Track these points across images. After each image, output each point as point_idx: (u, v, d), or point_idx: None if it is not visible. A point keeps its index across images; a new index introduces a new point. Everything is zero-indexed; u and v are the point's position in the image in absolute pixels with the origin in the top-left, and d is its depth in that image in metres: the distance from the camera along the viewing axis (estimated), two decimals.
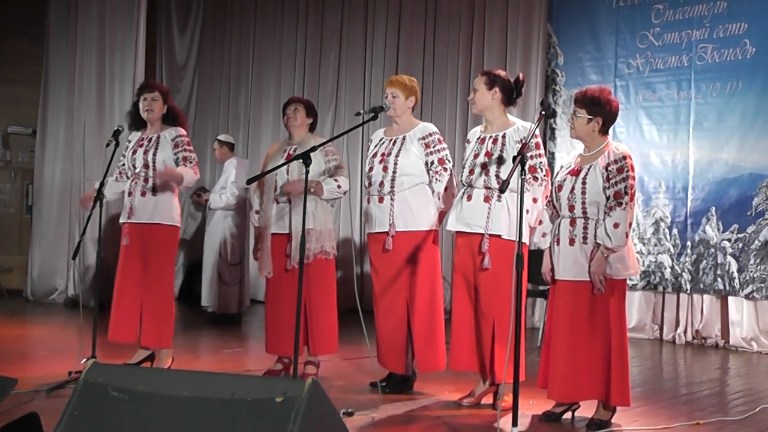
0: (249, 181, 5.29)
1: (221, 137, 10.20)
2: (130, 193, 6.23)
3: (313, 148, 5.15)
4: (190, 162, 6.22)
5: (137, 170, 6.19)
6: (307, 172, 4.98)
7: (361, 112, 5.69)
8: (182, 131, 6.30)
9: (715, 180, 8.85)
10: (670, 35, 9.25)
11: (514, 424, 4.21)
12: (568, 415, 5.12)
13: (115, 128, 6.25)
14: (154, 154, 6.16)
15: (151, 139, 6.27)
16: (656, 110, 9.33)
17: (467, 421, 5.07)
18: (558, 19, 10.07)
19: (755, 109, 8.64)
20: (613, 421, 4.97)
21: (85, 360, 5.68)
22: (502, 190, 4.34)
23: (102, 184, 5.98)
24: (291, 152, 6.13)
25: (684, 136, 9.11)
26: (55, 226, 11.22)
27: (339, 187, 6.07)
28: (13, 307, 10.07)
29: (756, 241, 8.54)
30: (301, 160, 5.00)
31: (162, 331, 6.19)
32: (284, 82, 12.23)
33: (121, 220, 6.30)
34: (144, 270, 6.15)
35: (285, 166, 5.94)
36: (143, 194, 6.16)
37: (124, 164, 6.34)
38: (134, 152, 6.26)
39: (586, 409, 5.08)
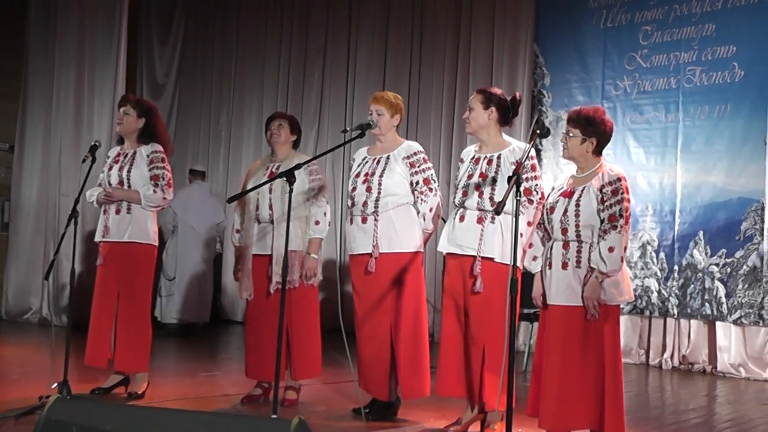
0: (230, 200, 5.07)
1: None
2: (105, 211, 6.06)
3: (298, 166, 4.97)
4: (162, 180, 6.04)
5: (110, 188, 6.02)
6: (291, 190, 4.80)
7: (347, 129, 5.51)
8: (158, 147, 6.13)
9: (703, 204, 8.76)
10: (658, 57, 9.18)
11: None
12: None
13: (92, 143, 6.07)
14: (129, 171, 6.01)
15: (127, 154, 6.12)
16: (644, 132, 9.24)
17: None
18: (545, 39, 9.99)
19: (744, 133, 8.56)
20: None
21: (55, 385, 5.49)
22: (497, 212, 4.16)
23: (77, 202, 5.75)
24: (274, 170, 5.97)
25: (672, 159, 9.02)
26: (31, 244, 11.01)
27: (318, 223, 5.92)
28: None
29: (744, 266, 8.44)
30: (284, 179, 4.83)
31: (137, 354, 6.00)
32: (267, 99, 12.10)
33: (96, 239, 6.13)
34: (119, 290, 5.97)
35: (268, 185, 5.78)
36: (118, 212, 6.00)
37: (101, 179, 6.16)
38: (110, 168, 6.11)
39: None
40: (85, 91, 10.79)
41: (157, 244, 6.15)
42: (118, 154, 6.18)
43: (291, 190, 4.80)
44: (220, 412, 4.35)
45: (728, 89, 8.69)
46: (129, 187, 5.99)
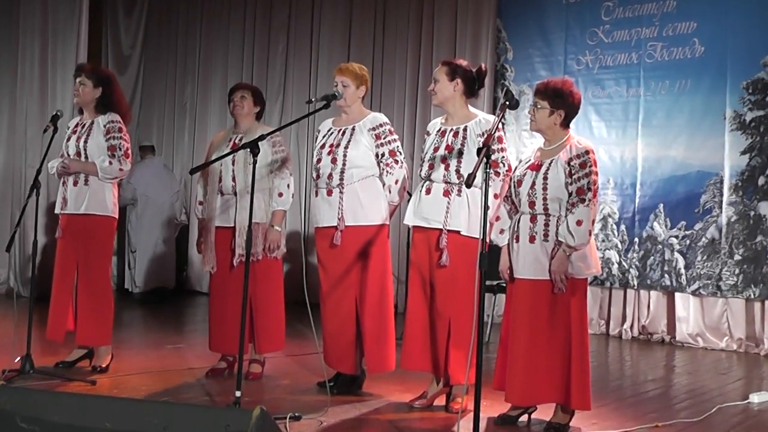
0: (192, 171, 5.03)
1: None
2: (63, 183, 6.02)
3: (261, 137, 4.89)
4: (119, 150, 5.97)
5: (71, 158, 5.99)
6: (255, 161, 4.73)
7: (312, 99, 5.42)
8: (116, 117, 6.06)
9: (663, 177, 8.87)
10: (620, 33, 9.23)
11: (476, 429, 4.00)
12: (524, 418, 4.99)
13: (54, 113, 6.01)
14: (86, 141, 5.96)
15: (85, 125, 6.07)
16: (605, 107, 9.31)
17: (422, 425, 4.93)
18: (507, 14, 9.99)
19: (704, 108, 8.65)
20: (571, 424, 4.87)
21: (18, 359, 5.49)
22: (468, 185, 4.14)
23: (38, 172, 5.72)
24: (237, 141, 5.93)
25: (633, 133, 9.11)
26: None
27: (281, 195, 5.92)
28: None
29: (703, 238, 8.58)
30: (248, 150, 4.76)
31: (99, 327, 5.98)
32: (231, 71, 12.02)
33: (55, 211, 6.10)
34: (78, 263, 5.96)
35: (231, 156, 5.75)
36: (75, 183, 5.96)
37: (62, 151, 6.11)
38: (68, 139, 6.06)
39: (543, 412, 4.98)
40: (48, 61, 10.67)
41: (116, 216, 6.09)
42: (77, 125, 6.13)
43: (255, 162, 4.73)
44: (176, 403, 4.30)
45: (689, 65, 8.76)
46: (86, 158, 5.94)
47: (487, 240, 5.06)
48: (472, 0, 10.16)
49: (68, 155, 6.00)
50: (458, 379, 5.09)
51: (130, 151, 6.08)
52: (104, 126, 6.01)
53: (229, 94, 6.20)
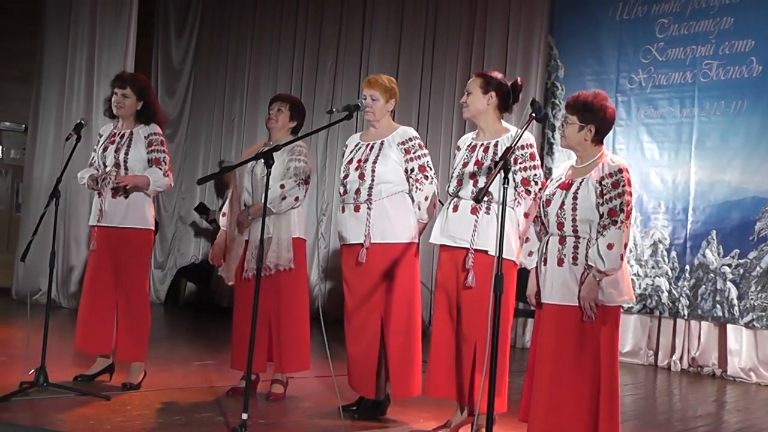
0: (200, 181, 4.87)
1: None
2: (99, 194, 5.86)
3: (276, 147, 4.70)
4: (164, 164, 5.86)
5: (107, 169, 5.84)
6: (269, 173, 4.54)
7: (334, 109, 5.25)
8: (157, 129, 5.93)
9: (717, 202, 8.53)
10: (674, 51, 8.94)
11: None
12: None
13: (77, 122, 5.88)
14: (126, 153, 5.81)
15: (123, 135, 5.91)
16: (658, 128, 9.01)
17: None
18: (559, 31, 9.76)
19: (760, 130, 8.31)
20: None
21: (33, 371, 5.36)
22: (476, 200, 3.92)
23: (59, 181, 5.58)
24: None
25: (686, 155, 8.79)
26: (43, 224, 10.93)
27: (284, 198, 5.65)
28: None
29: (758, 268, 8.21)
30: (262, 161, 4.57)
31: (137, 343, 5.86)
32: (280, 87, 11.93)
33: (90, 223, 5.94)
34: (116, 277, 5.81)
35: (251, 169, 5.60)
36: (114, 196, 5.79)
37: (94, 159, 5.99)
38: (105, 149, 5.90)
39: None
40: (94, 72, 10.73)
41: (154, 228, 5.98)
42: (113, 134, 5.97)
43: (269, 173, 4.54)
44: None
45: (745, 84, 8.43)
46: (126, 170, 5.80)
47: (517, 261, 4.85)
48: (524, 16, 9.97)
49: (104, 166, 5.86)
50: (483, 407, 4.82)
51: (170, 165, 5.98)
52: (145, 138, 5.88)
53: (269, 105, 6.03)
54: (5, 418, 4.69)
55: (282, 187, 5.62)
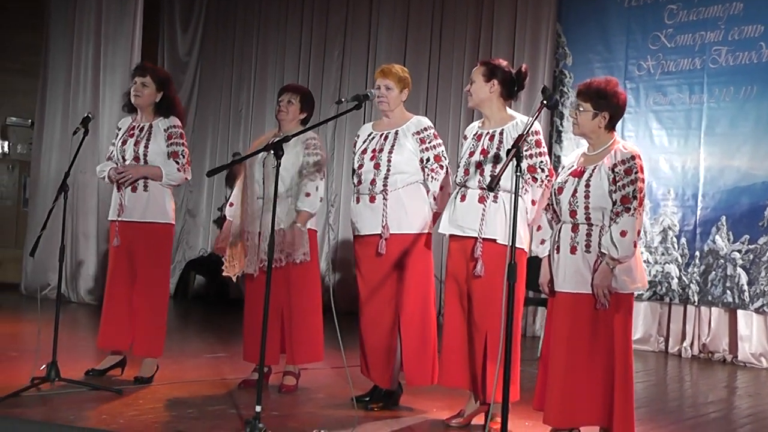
0: (210, 173, 4.64)
1: None
2: (119, 188, 5.80)
3: (286, 138, 4.63)
4: (182, 157, 5.81)
5: (127, 162, 5.78)
6: (279, 164, 4.48)
7: (343, 99, 5.18)
8: (177, 122, 5.87)
9: (726, 188, 8.51)
10: (683, 37, 8.91)
11: None
12: None
13: (84, 115, 5.80)
14: (146, 146, 5.75)
15: (142, 128, 5.85)
16: (667, 114, 8.99)
17: None
18: (567, 18, 9.74)
19: None
20: None
21: (44, 366, 5.34)
22: (490, 188, 3.89)
23: (67, 175, 5.52)
24: None
25: (695, 141, 8.77)
26: (51, 219, 10.94)
27: (309, 195, 5.64)
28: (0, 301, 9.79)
29: (767, 253, 8.20)
30: (272, 152, 4.50)
31: (154, 339, 5.82)
32: (287, 77, 11.91)
33: (110, 218, 5.89)
34: (136, 272, 5.77)
35: (262, 160, 5.56)
36: (134, 190, 5.75)
37: (113, 153, 5.93)
38: (124, 142, 5.84)
39: None
40: (101, 65, 10.72)
41: (174, 222, 5.95)
42: (132, 127, 5.91)
43: (278, 165, 4.48)
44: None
45: (755, 70, 8.41)
46: (146, 163, 5.75)
47: (527, 249, 4.83)
48: (531, 4, 9.97)
49: (123, 159, 5.81)
50: (496, 396, 4.81)
51: (189, 159, 5.93)
52: (165, 131, 5.83)
53: (277, 95, 5.99)
54: (17, 413, 4.68)
55: (308, 195, 5.62)
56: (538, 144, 4.88)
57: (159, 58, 12.68)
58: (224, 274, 5.87)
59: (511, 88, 5.04)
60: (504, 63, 5.09)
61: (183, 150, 5.85)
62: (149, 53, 11.28)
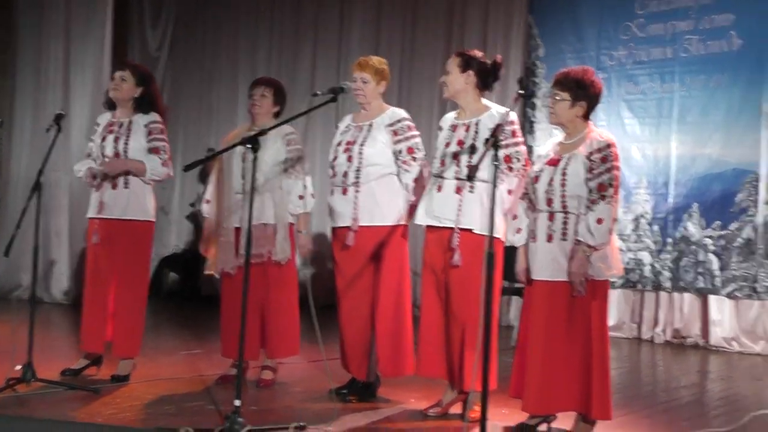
0: (186, 168, 4.60)
1: None
2: (99, 186, 5.71)
3: (262, 132, 4.61)
4: (163, 153, 5.74)
5: (107, 160, 5.70)
6: (256, 158, 4.46)
7: (318, 92, 5.18)
8: (157, 117, 5.80)
9: (698, 175, 8.58)
10: (655, 27, 8.97)
11: None
12: (543, 427, 4.72)
13: (57, 112, 5.74)
14: (126, 143, 5.67)
15: (122, 124, 5.76)
16: (639, 103, 9.05)
17: None
18: (539, 9, 9.79)
19: (740, 103, 8.38)
20: None
21: (19, 367, 5.30)
22: (469, 177, 3.92)
23: (40, 173, 5.47)
24: None
25: (666, 130, 8.84)
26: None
27: (302, 197, 5.65)
28: None
29: (738, 239, 8.28)
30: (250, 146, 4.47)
31: (133, 338, 5.77)
32: (259, 72, 11.78)
33: (89, 215, 5.79)
34: (115, 270, 5.69)
35: (242, 155, 5.54)
36: (114, 187, 5.67)
37: (92, 149, 5.85)
38: (103, 139, 5.75)
39: (563, 421, 4.70)
40: (70, 64, 10.62)
41: (154, 220, 5.87)
42: (111, 123, 5.82)
43: (255, 158, 4.46)
44: (102, 425, 4.15)
45: (726, 59, 8.49)
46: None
47: (503, 239, 4.86)
48: None
49: (103, 156, 5.72)
50: (475, 385, 4.83)
51: (171, 154, 5.87)
52: (145, 126, 5.75)
53: (249, 88, 5.94)
54: None
55: (301, 197, 5.64)
56: (514, 134, 4.90)
57: (129, 55, 12.52)
58: (206, 272, 5.86)
59: (486, 79, 5.06)
60: (479, 54, 5.10)
61: (164, 146, 5.78)
62: (119, 50, 11.17)
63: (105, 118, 5.95)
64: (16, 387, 5.22)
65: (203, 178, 11.50)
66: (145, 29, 12.72)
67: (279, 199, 5.66)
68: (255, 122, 5.86)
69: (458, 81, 5.04)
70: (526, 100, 9.39)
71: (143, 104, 5.83)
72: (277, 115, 5.94)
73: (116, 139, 5.72)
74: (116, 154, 5.69)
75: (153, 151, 5.74)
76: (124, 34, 12.25)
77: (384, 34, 10.94)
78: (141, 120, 5.78)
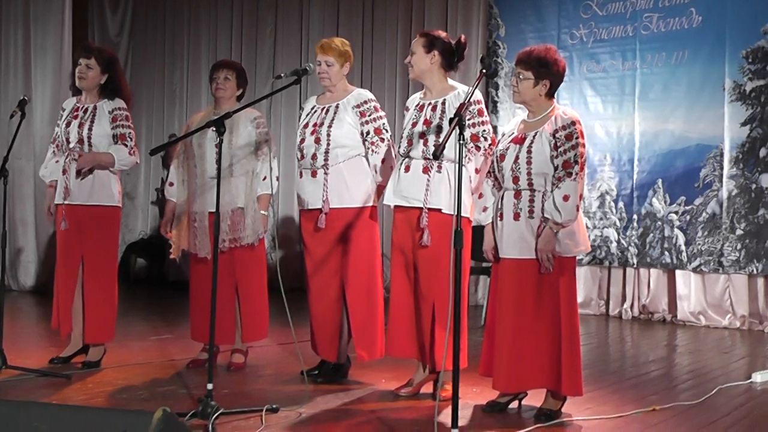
0: (152, 152, 4.58)
1: None
2: (64, 171, 5.65)
3: (227, 115, 4.54)
4: (129, 140, 5.67)
5: (71, 145, 5.63)
6: (221, 141, 4.41)
7: (282, 75, 5.07)
8: (122, 104, 5.73)
9: (662, 152, 8.67)
10: (615, 5, 9.03)
11: (454, 420, 3.77)
12: (514, 405, 4.76)
13: (21, 98, 5.69)
14: (90, 129, 5.60)
15: (87, 109, 5.70)
16: (601, 81, 9.12)
17: (404, 415, 4.67)
18: None
19: (702, 79, 8.46)
20: (563, 410, 4.62)
21: None
22: (435, 156, 3.90)
23: (5, 159, 5.43)
24: None
25: (629, 107, 8.91)
26: None
27: (265, 179, 5.64)
28: None
29: (704, 213, 8.37)
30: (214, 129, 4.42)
31: (105, 324, 5.72)
32: (220, 54, 11.77)
33: (55, 201, 5.73)
34: (84, 256, 5.65)
35: (213, 138, 5.47)
36: (78, 173, 5.63)
37: (57, 134, 5.78)
38: (68, 124, 5.69)
39: (534, 398, 4.74)
40: (31, 48, 10.50)
41: (121, 205, 5.81)
42: (76, 108, 5.75)
43: (221, 140, 4.41)
44: (72, 405, 4.13)
45: (686, 35, 8.56)
46: (90, 146, 5.61)
47: (470, 218, 4.87)
48: None
49: (67, 142, 5.66)
50: (446, 364, 4.85)
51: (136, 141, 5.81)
52: (110, 113, 5.69)
53: (211, 72, 5.91)
54: None
55: (264, 178, 5.63)
56: (480, 113, 4.91)
57: (89, 39, 12.45)
58: (171, 256, 5.85)
59: (451, 58, 5.06)
60: (443, 34, 5.10)
61: (130, 132, 5.73)
62: (79, 34, 11.05)
63: (71, 102, 5.89)
64: None
65: (167, 163, 11.43)
66: (105, 13, 12.63)
67: (249, 182, 5.66)
68: (219, 105, 5.83)
69: (423, 61, 5.03)
70: (488, 80, 9.39)
71: (108, 90, 5.77)
72: (240, 98, 5.93)
73: (80, 125, 5.66)
74: (80, 140, 5.64)
75: (119, 138, 5.68)
76: (84, 18, 12.13)
77: (344, 15, 10.95)
78: (106, 106, 5.73)
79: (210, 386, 4.26)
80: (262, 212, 5.69)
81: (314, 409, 4.69)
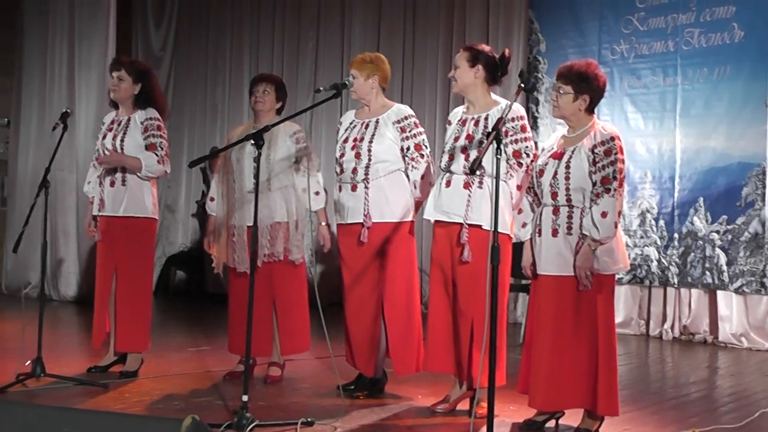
0: (192, 164, 4.67)
1: None
2: (100, 184, 5.77)
3: (266, 128, 4.63)
4: (160, 149, 5.73)
5: (108, 152, 5.73)
6: (259, 154, 4.48)
7: (321, 89, 5.15)
8: (154, 114, 5.80)
9: (703, 169, 8.56)
10: (656, 20, 8.94)
11: None
12: (551, 424, 4.72)
13: (63, 110, 5.78)
14: (122, 140, 5.70)
15: (121, 122, 5.80)
16: (642, 97, 9.03)
17: (440, 431, 4.66)
18: (540, 4, 9.76)
19: (744, 95, 8.33)
20: (600, 431, 4.58)
21: (29, 362, 5.34)
22: (472, 170, 3.91)
23: (47, 171, 5.52)
24: None
25: (670, 123, 8.81)
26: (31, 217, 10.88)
27: (318, 194, 5.67)
28: None
29: (746, 233, 8.25)
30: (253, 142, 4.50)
31: (138, 334, 5.79)
32: (262, 70, 11.86)
33: (93, 213, 5.84)
34: (117, 267, 5.73)
35: (253, 155, 5.50)
36: (112, 184, 5.71)
37: (98, 147, 5.88)
38: (104, 137, 5.81)
39: (571, 417, 4.69)
40: (75, 63, 10.66)
41: (157, 217, 5.88)
42: (113, 122, 5.86)
43: (259, 154, 4.49)
44: (103, 411, 4.16)
45: (728, 51, 8.45)
46: None
47: (511, 234, 4.85)
48: None
49: (104, 154, 5.75)
50: (482, 381, 4.83)
51: (169, 151, 5.85)
52: (142, 123, 5.76)
53: (250, 85, 5.96)
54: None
55: (317, 193, 5.66)
56: (523, 129, 4.89)
57: (133, 55, 12.56)
58: (215, 271, 5.92)
59: (494, 72, 5.06)
60: (487, 48, 5.11)
61: (161, 142, 5.77)
62: (123, 49, 11.20)
63: (109, 117, 5.99)
64: (26, 382, 5.30)
65: (206, 177, 11.55)
66: (149, 28, 12.77)
67: (291, 198, 5.69)
68: (258, 119, 5.88)
69: (467, 75, 5.03)
70: (528, 96, 9.36)
71: (141, 100, 5.85)
72: (279, 111, 5.96)
73: (114, 137, 5.76)
74: (114, 151, 5.73)
75: (150, 147, 5.74)
76: (129, 34, 12.30)
77: (385, 30, 10.95)
78: (138, 117, 5.80)
79: (245, 398, 4.29)
80: (323, 223, 5.72)
81: (350, 424, 4.69)
